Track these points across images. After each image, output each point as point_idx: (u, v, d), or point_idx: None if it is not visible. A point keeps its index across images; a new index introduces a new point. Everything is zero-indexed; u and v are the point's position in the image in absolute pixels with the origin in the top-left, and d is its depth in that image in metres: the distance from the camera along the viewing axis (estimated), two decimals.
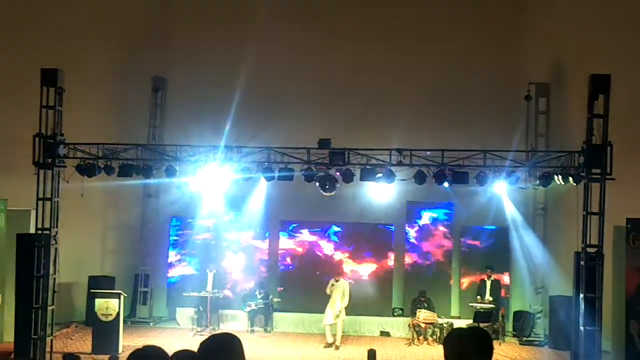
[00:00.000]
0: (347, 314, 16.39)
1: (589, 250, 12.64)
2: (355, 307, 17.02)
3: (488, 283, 17.31)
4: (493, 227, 18.06)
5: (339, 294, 16.10)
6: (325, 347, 16.03)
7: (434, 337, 16.56)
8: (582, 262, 12.68)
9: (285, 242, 18.65)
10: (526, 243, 17.60)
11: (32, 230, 14.30)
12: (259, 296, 17.69)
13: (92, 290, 16.33)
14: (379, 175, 13.83)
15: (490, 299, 17.07)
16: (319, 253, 18.46)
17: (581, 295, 12.58)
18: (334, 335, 16.19)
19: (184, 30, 18.91)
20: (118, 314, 14.98)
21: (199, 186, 16.49)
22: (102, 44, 18.26)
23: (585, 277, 12.57)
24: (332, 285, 16.22)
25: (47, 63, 13.51)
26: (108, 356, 13.95)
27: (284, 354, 15.51)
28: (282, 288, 18.31)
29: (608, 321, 13.99)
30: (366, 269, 18.32)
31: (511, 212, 17.57)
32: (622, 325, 14.35)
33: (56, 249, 13.55)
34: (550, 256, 17.20)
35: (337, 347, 15.94)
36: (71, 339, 16.33)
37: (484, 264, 17.79)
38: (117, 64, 18.53)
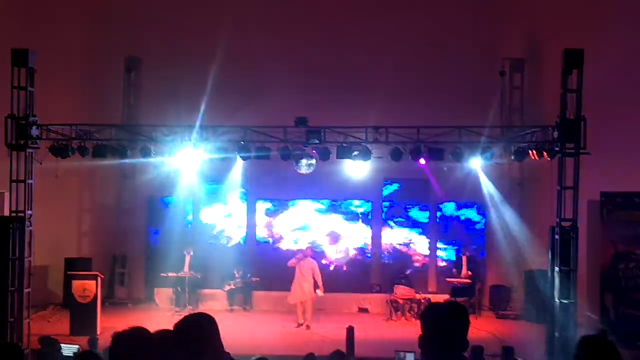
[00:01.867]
0: (325, 291, 16.31)
1: (564, 224, 12.76)
2: (333, 284, 17.01)
3: (464, 258, 17.45)
4: (469, 202, 18.16)
5: (307, 271, 15.78)
6: (297, 327, 15.83)
7: (412, 312, 16.68)
8: (556, 236, 12.81)
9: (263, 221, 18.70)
10: (502, 218, 17.72)
11: (6, 213, 14.13)
12: (237, 275, 17.69)
13: (68, 272, 16.23)
14: (356, 153, 13.83)
15: (468, 274, 17.23)
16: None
17: (556, 269, 12.72)
18: (304, 314, 15.90)
19: (158, 9, 18.64)
20: (95, 295, 14.91)
21: (175, 166, 16.38)
22: (74, 23, 18.00)
23: (560, 250, 12.70)
24: (299, 260, 15.87)
25: (17, 43, 13.28)
26: (87, 338, 13.88)
27: (264, 332, 15.56)
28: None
29: (583, 294, 14.18)
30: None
31: (487, 187, 17.66)
32: (597, 298, 14.57)
33: (31, 231, 13.41)
34: (526, 230, 17.34)
35: (308, 327, 15.75)
36: (48, 321, 16.26)
37: (461, 240, 17.88)
38: (90, 43, 18.29)
